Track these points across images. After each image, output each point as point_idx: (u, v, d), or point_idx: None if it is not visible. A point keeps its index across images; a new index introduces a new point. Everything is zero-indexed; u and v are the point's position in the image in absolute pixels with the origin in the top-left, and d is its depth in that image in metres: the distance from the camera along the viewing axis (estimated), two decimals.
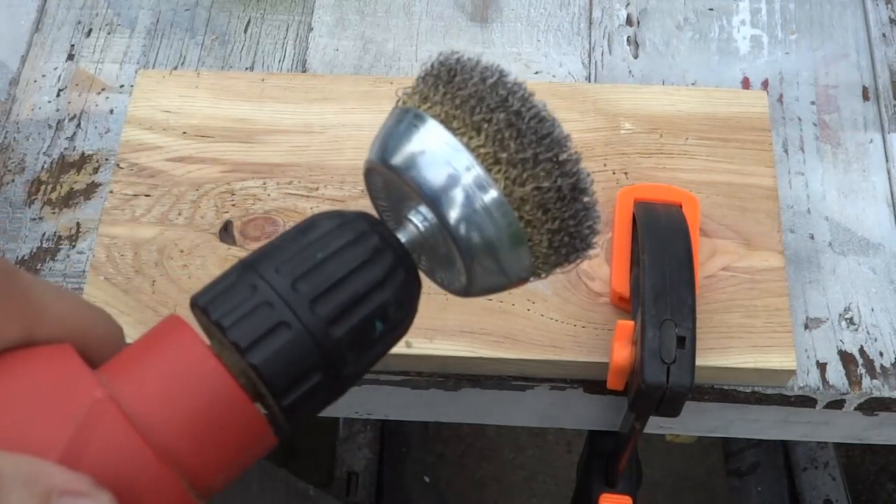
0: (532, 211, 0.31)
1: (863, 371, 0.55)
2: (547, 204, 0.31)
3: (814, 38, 0.67)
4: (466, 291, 0.34)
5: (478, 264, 0.32)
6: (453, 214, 0.31)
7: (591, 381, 0.55)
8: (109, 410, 0.27)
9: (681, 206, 0.55)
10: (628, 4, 0.68)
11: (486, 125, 0.31)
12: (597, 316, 0.54)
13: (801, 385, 0.55)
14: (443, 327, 0.54)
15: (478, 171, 0.31)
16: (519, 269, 0.33)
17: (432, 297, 0.55)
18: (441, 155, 0.31)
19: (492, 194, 0.31)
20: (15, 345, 0.29)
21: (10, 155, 0.63)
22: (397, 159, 0.32)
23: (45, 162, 0.62)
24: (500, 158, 0.31)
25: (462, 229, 0.32)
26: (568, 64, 0.66)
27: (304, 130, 0.61)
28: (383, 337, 0.32)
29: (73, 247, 0.59)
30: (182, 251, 0.57)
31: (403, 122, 0.33)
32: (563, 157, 0.32)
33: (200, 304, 0.30)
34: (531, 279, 0.34)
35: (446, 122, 0.32)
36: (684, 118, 0.61)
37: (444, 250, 0.33)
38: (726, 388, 0.55)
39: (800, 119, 0.63)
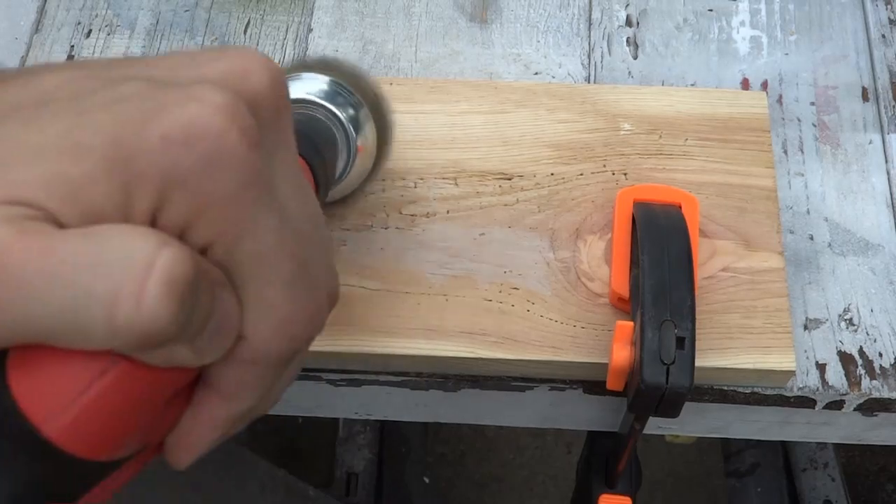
0: None
1: (862, 372, 0.55)
2: None
3: (813, 38, 0.67)
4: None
5: None
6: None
7: (590, 382, 0.55)
8: None
9: (680, 207, 0.55)
10: (628, 5, 0.68)
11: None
12: (596, 317, 0.54)
13: (801, 386, 0.55)
14: (442, 327, 0.54)
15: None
16: None
17: (432, 298, 0.55)
18: None
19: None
20: None
21: None
22: None
23: None
24: None
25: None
26: (567, 65, 0.66)
27: None
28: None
29: None
30: None
31: None
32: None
33: None
34: None
35: None
36: (684, 119, 0.61)
37: None
38: (726, 388, 0.55)
39: (799, 120, 0.63)
